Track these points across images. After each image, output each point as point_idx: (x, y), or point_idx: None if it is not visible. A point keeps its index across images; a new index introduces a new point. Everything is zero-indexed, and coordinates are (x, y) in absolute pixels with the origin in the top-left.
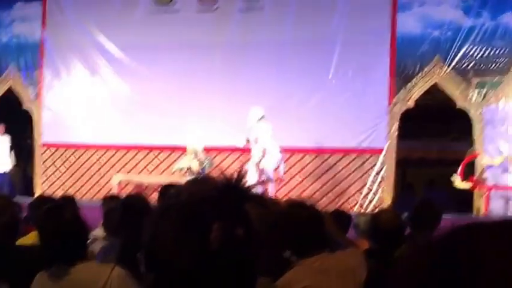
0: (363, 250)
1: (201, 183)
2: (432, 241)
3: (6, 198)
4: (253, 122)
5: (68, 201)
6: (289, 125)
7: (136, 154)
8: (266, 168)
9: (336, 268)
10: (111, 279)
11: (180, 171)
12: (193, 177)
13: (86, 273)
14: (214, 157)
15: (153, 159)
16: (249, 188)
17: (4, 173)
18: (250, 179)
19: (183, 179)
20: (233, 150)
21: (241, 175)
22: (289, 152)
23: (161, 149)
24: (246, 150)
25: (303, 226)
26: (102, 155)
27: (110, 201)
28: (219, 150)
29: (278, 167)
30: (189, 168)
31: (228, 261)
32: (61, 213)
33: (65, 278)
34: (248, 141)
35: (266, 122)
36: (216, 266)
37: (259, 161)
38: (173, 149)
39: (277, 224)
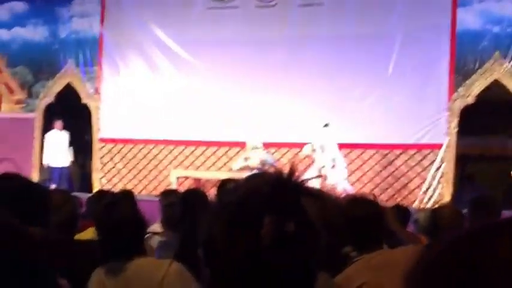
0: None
1: (257, 179)
2: (444, 247)
3: (65, 193)
4: (318, 129)
5: (126, 196)
6: (348, 120)
7: (194, 150)
8: (339, 182)
9: (395, 264)
10: (169, 274)
11: (240, 168)
12: (252, 173)
13: (143, 268)
14: (274, 153)
15: (211, 155)
16: (303, 182)
17: (62, 168)
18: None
19: (241, 175)
20: (292, 146)
21: (293, 169)
22: (348, 148)
23: (219, 144)
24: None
25: (364, 222)
26: (160, 151)
27: (168, 196)
28: (278, 146)
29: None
30: (248, 165)
31: (282, 257)
32: (119, 207)
33: (122, 273)
34: (314, 150)
35: (331, 130)
36: (269, 261)
37: (329, 172)
38: (231, 144)
39: (337, 220)
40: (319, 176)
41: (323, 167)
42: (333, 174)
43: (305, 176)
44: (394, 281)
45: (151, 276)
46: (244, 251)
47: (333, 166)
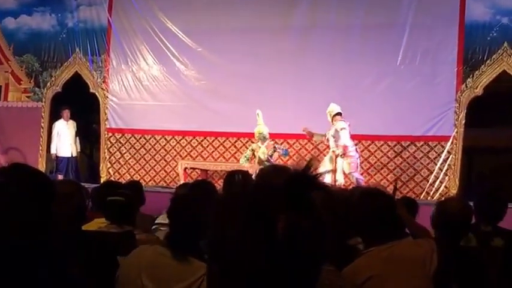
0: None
1: (273, 173)
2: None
3: (74, 183)
4: (329, 118)
5: (137, 187)
6: (356, 111)
7: (202, 140)
8: (351, 173)
9: (404, 257)
10: (203, 280)
11: (247, 160)
12: (261, 165)
13: (180, 267)
14: (281, 143)
15: (219, 146)
16: (317, 176)
17: (70, 158)
18: (326, 175)
19: (248, 166)
20: (299, 136)
21: (310, 164)
22: (355, 139)
23: (227, 135)
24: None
25: (376, 214)
26: (168, 141)
27: (183, 188)
28: (286, 136)
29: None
30: (254, 156)
31: (294, 253)
32: (193, 203)
33: (160, 264)
34: (328, 139)
35: (343, 120)
36: (281, 257)
37: (339, 162)
38: (239, 135)
39: (348, 212)
40: (329, 171)
41: (337, 156)
42: (345, 168)
43: (319, 168)
44: (402, 274)
45: (185, 277)
46: (257, 245)
47: (343, 155)
